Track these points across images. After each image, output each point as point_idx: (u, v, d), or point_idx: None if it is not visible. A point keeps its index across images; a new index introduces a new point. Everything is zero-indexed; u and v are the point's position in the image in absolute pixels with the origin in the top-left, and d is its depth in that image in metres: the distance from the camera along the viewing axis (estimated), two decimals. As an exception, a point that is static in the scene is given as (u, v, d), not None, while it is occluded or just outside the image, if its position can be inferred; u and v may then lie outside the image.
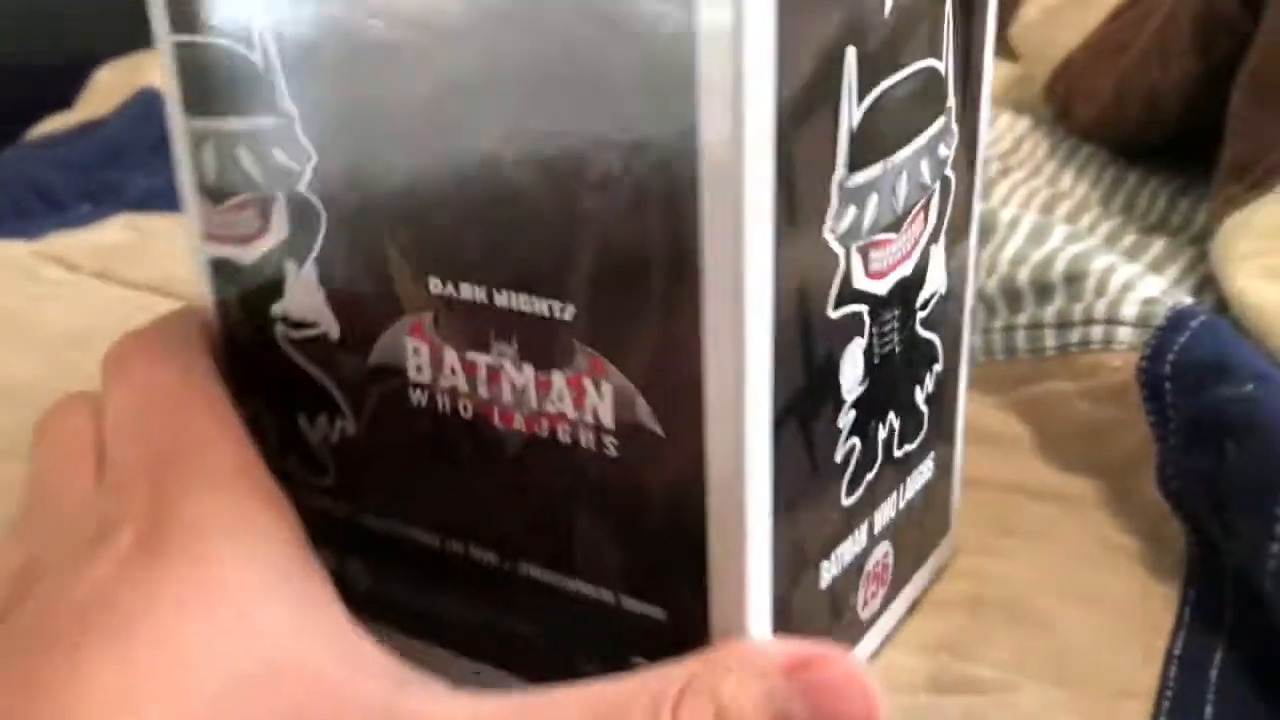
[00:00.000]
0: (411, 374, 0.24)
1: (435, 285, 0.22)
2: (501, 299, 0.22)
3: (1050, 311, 0.34)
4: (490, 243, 0.21)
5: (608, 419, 0.21)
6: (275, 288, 0.25)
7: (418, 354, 0.23)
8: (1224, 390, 0.29)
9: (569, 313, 0.21)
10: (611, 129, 0.19)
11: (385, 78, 0.21)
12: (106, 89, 0.73)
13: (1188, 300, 0.32)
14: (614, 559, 0.23)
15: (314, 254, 0.24)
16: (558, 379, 0.22)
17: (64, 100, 0.74)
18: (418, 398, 0.24)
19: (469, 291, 0.22)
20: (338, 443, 0.25)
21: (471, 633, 0.25)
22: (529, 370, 0.22)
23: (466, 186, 0.21)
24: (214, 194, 0.25)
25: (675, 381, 0.20)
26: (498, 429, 0.23)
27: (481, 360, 0.23)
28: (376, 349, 0.24)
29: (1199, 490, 0.30)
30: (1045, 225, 0.36)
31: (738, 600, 0.21)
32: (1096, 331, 0.33)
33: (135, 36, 0.55)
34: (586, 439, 0.22)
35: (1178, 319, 0.31)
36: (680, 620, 0.22)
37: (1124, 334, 0.32)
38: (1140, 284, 0.33)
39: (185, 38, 0.24)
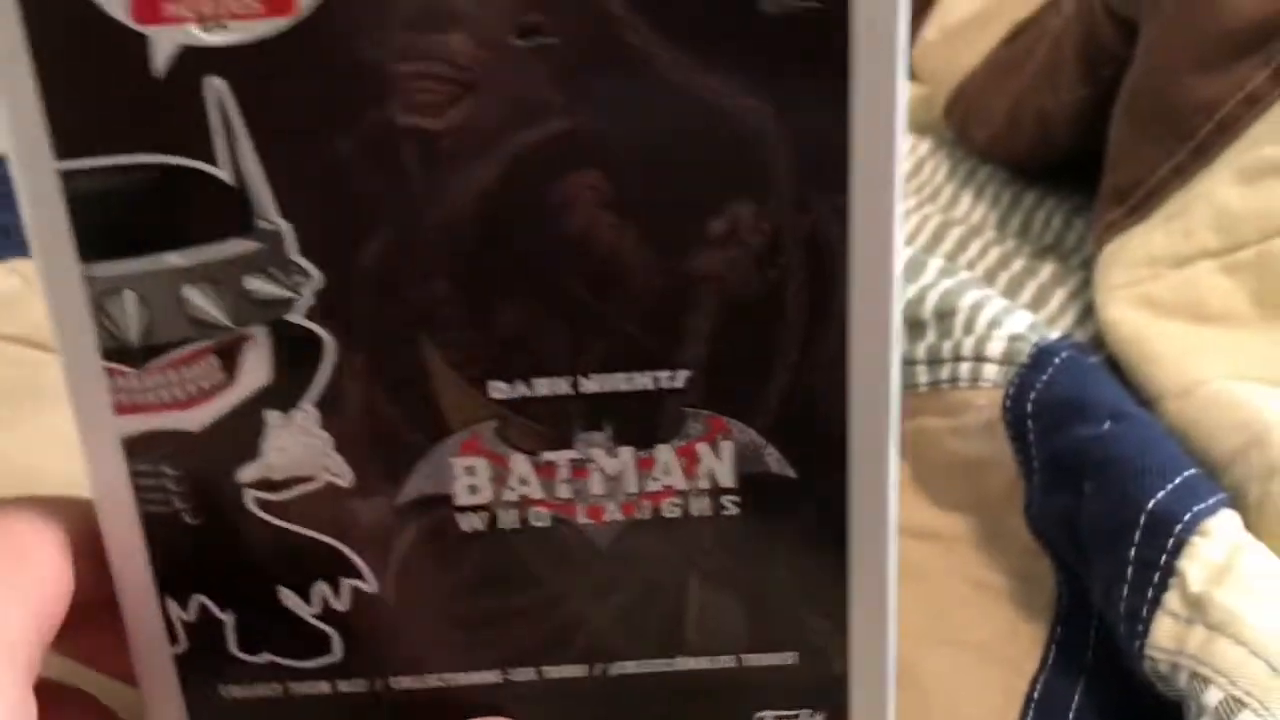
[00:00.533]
0: (461, 498, 0.21)
1: (499, 390, 0.20)
2: (590, 384, 0.20)
3: (922, 348, 0.34)
4: (576, 325, 0.20)
5: (727, 478, 0.21)
6: (244, 448, 0.21)
7: (472, 473, 0.21)
8: (1083, 429, 0.29)
9: (680, 380, 0.20)
10: (743, 179, 0.19)
11: (433, 164, 0.19)
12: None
13: (1054, 335, 0.32)
14: (735, 620, 0.22)
15: (313, 394, 0.20)
16: (663, 453, 0.21)
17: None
18: (470, 523, 0.21)
19: (546, 386, 0.20)
20: (349, 608, 0.22)
21: None
22: (626, 453, 0.21)
23: (546, 266, 0.19)
24: (136, 355, 0.20)
25: (814, 421, 0.20)
26: (583, 527, 0.21)
27: (563, 458, 0.21)
28: (410, 483, 0.21)
29: (1061, 530, 0.30)
30: (920, 261, 0.36)
31: (879, 616, 0.21)
32: (964, 369, 0.33)
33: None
34: (699, 506, 0.21)
35: (1040, 356, 0.31)
36: (814, 657, 0.22)
37: (990, 371, 0.32)
38: (1007, 320, 0.33)
39: (86, 163, 0.19)
